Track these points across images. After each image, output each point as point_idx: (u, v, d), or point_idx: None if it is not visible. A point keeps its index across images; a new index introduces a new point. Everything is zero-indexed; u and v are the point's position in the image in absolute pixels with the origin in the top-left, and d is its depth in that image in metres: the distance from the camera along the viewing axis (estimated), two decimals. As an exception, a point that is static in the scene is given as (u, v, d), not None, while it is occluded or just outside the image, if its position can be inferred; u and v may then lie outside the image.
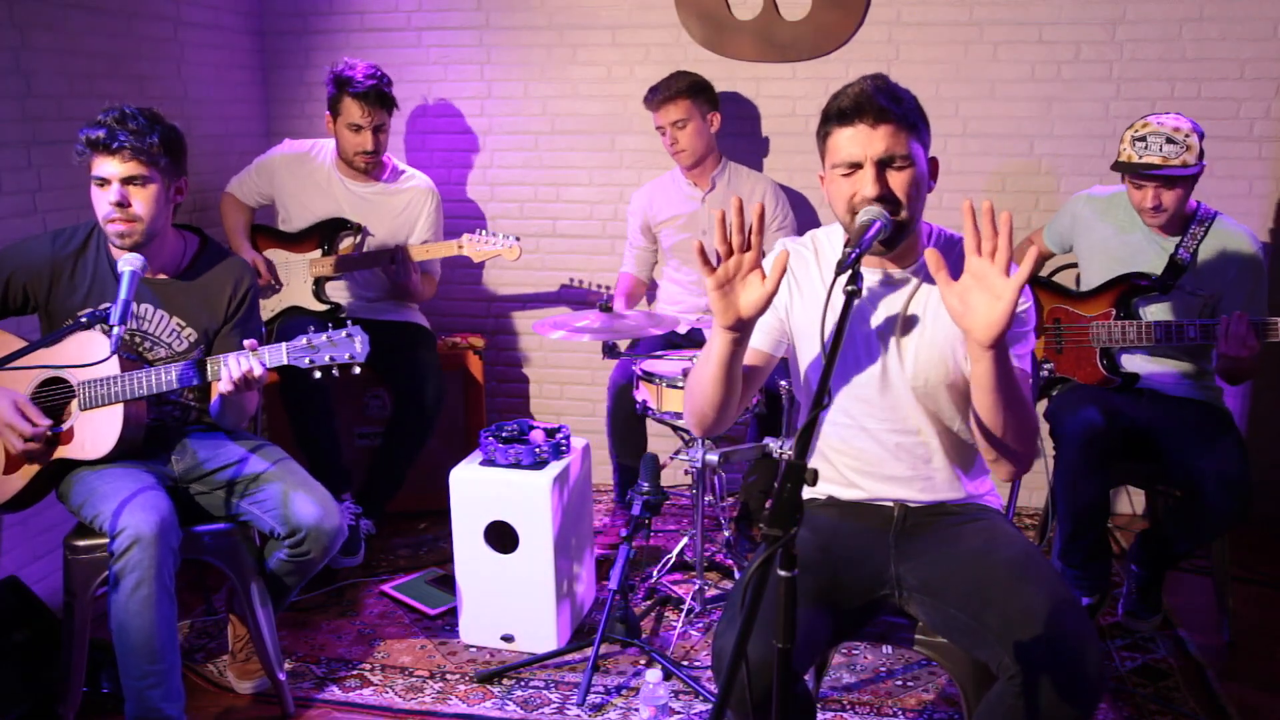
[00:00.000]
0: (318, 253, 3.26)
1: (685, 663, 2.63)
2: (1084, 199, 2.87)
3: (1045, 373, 2.75)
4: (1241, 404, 3.45)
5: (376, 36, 3.78)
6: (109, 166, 2.17)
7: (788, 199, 3.39)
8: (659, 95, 3.23)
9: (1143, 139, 2.58)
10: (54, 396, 2.26)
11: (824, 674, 2.42)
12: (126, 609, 2.06)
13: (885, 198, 1.66)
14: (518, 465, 2.65)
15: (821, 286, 1.82)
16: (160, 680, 2.09)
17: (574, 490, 2.75)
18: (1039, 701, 1.53)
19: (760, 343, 1.84)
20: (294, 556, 2.29)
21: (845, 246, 1.58)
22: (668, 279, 3.50)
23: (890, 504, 1.87)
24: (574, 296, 3.84)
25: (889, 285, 1.81)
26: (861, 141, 1.67)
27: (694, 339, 3.32)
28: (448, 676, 2.59)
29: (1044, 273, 3.10)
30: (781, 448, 2.54)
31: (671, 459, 2.92)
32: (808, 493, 1.66)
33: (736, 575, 2.98)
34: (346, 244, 3.28)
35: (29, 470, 2.26)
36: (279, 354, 2.16)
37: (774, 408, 2.93)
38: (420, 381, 3.20)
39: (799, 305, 1.84)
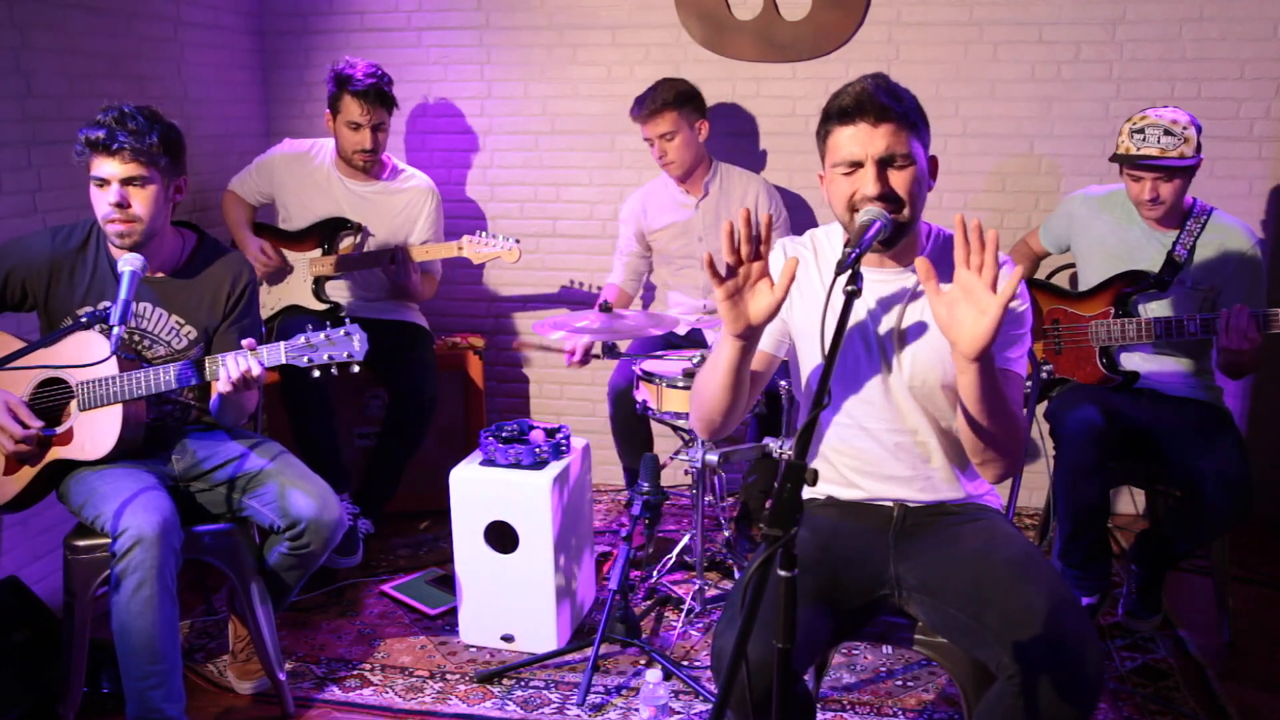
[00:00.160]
0: (318, 252, 3.26)
1: (685, 663, 2.63)
2: (1080, 198, 2.88)
3: (1045, 374, 2.75)
4: (1242, 404, 3.45)
5: (376, 36, 3.78)
6: (108, 167, 2.17)
7: (780, 197, 3.38)
8: (644, 109, 3.15)
9: (1141, 131, 2.58)
10: (53, 397, 2.26)
11: (824, 674, 2.42)
12: (128, 609, 2.06)
13: (886, 197, 1.66)
14: (518, 465, 2.65)
15: (821, 286, 1.82)
16: (161, 681, 2.09)
17: (574, 490, 2.75)
18: (1038, 701, 1.53)
19: (763, 344, 1.84)
20: (294, 550, 2.29)
21: (845, 246, 1.58)
22: (664, 283, 3.49)
23: (890, 504, 1.87)
24: (574, 297, 3.84)
25: (888, 285, 1.81)
26: (862, 140, 1.67)
27: (693, 339, 3.32)
28: (448, 676, 2.59)
29: (1042, 274, 3.11)
30: (781, 448, 2.54)
31: (671, 459, 2.92)
32: (807, 493, 1.67)
33: (736, 575, 2.98)
34: (346, 243, 3.28)
35: (28, 471, 2.26)
36: (277, 353, 2.17)
37: (774, 408, 2.93)
38: (418, 381, 3.21)
39: (799, 305, 1.84)
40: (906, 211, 1.68)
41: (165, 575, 2.08)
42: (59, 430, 2.24)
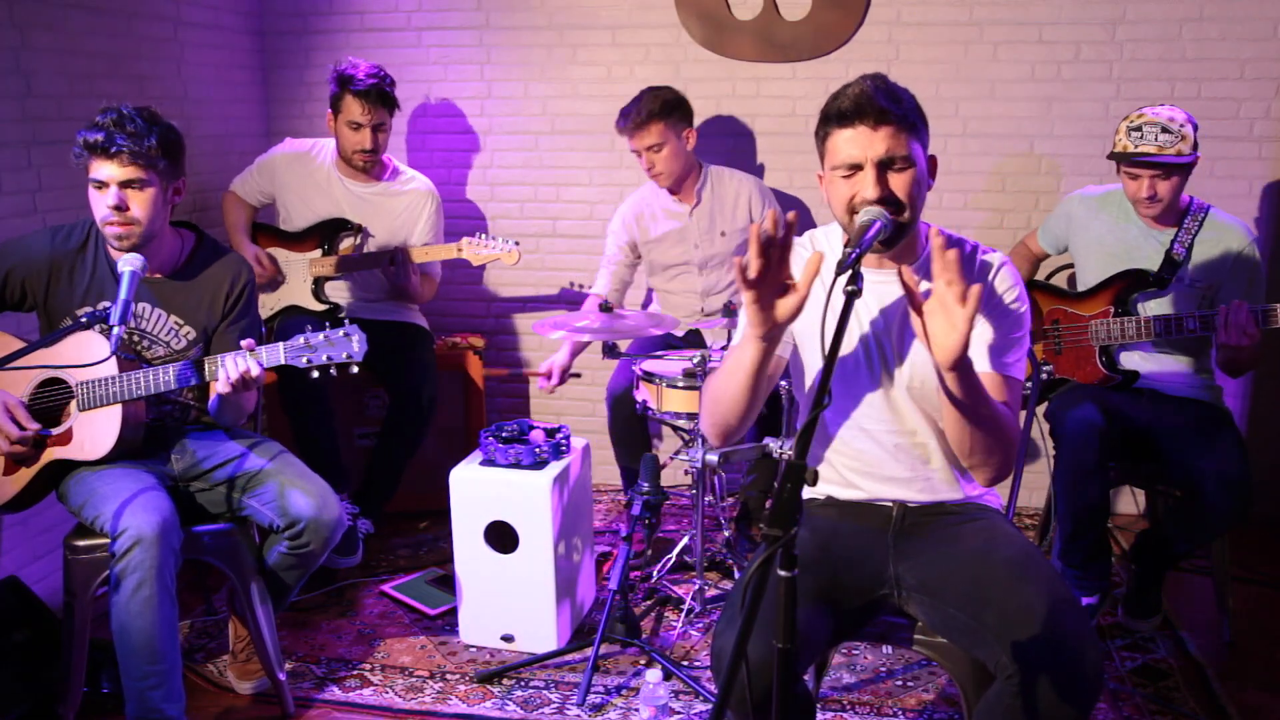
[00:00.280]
0: (318, 252, 3.26)
1: (685, 663, 2.63)
2: (1077, 198, 2.88)
3: (1045, 375, 2.75)
4: (1241, 404, 3.45)
5: (376, 36, 3.78)
6: (106, 170, 2.16)
7: (774, 197, 3.36)
8: (630, 121, 3.08)
9: (1138, 129, 2.59)
10: (53, 397, 2.26)
11: (824, 674, 2.42)
12: (128, 610, 2.06)
13: (886, 200, 1.66)
14: (518, 465, 2.65)
15: (821, 287, 1.81)
16: (161, 681, 2.09)
17: (574, 490, 2.75)
18: (1038, 701, 1.54)
19: None
20: (294, 549, 2.29)
21: (845, 247, 1.58)
22: (658, 289, 3.47)
23: (889, 504, 1.87)
24: (574, 297, 3.83)
25: (888, 285, 1.80)
26: (862, 143, 1.67)
27: (692, 340, 3.31)
28: (448, 676, 2.59)
29: (1041, 275, 3.11)
30: (781, 448, 2.54)
31: (671, 459, 2.92)
32: (807, 493, 1.67)
33: (736, 575, 2.98)
34: (346, 244, 3.28)
35: (27, 472, 2.26)
36: (276, 354, 2.17)
37: (774, 408, 2.93)
38: (418, 382, 3.21)
39: (799, 305, 1.84)
40: (906, 213, 1.68)
41: (165, 575, 2.08)
42: (58, 430, 2.24)
